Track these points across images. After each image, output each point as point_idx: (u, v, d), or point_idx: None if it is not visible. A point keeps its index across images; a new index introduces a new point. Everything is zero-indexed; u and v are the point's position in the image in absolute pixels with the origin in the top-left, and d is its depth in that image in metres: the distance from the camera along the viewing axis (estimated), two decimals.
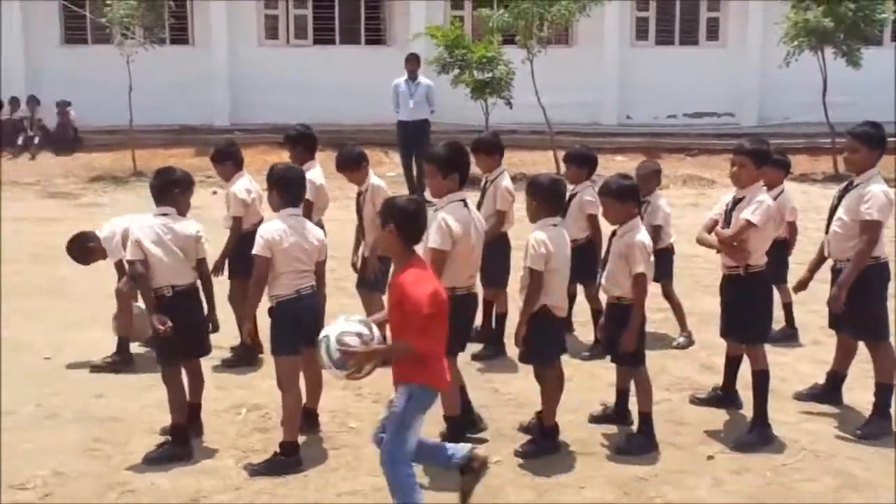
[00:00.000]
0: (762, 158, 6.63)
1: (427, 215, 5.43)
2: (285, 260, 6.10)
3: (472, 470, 5.46)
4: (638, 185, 6.77)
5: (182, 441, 6.36)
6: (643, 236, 6.44)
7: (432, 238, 6.04)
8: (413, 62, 17.27)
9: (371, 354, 5.20)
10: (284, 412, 6.25)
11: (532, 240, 6.24)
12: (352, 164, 8.23)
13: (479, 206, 7.85)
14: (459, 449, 5.51)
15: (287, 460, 6.14)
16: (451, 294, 5.75)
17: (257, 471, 6.08)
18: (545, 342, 6.34)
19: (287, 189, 6.25)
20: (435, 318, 5.09)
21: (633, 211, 6.53)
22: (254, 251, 6.08)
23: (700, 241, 6.88)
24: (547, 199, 6.36)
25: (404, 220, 5.17)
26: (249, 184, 8.28)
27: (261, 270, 6.09)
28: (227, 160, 8.33)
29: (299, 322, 6.17)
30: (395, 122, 17.76)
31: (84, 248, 8.32)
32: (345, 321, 5.31)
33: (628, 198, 6.49)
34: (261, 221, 7.65)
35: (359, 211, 8.35)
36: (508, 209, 8.20)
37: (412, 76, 17.15)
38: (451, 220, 6.11)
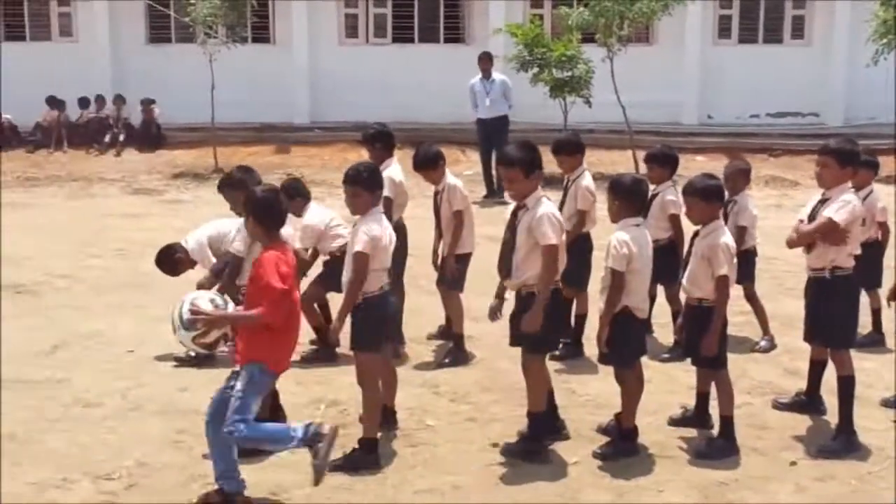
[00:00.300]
0: (846, 158, 6.47)
1: (284, 204, 5.82)
2: (379, 257, 6.14)
3: (319, 443, 5.52)
4: (722, 186, 6.67)
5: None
6: (727, 238, 6.36)
7: (548, 234, 6.04)
8: (486, 60, 17.24)
9: (219, 319, 5.66)
10: (364, 408, 6.29)
11: (614, 240, 6.19)
12: (429, 164, 8.25)
13: (560, 207, 7.82)
14: (299, 427, 5.62)
15: (365, 457, 6.18)
16: (555, 287, 6.10)
17: (336, 466, 6.12)
18: (626, 343, 6.29)
19: (376, 188, 6.29)
20: (285, 296, 5.46)
21: (717, 211, 6.44)
22: (357, 248, 6.06)
23: (790, 244, 6.74)
24: (629, 199, 6.31)
25: (261, 211, 5.64)
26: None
27: (363, 267, 6.08)
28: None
29: (384, 319, 6.25)
30: (472, 120, 17.77)
31: (172, 260, 8.61)
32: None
33: (712, 198, 6.41)
34: None
35: (436, 210, 8.37)
36: (590, 209, 8.15)
37: (486, 74, 17.13)
38: (557, 213, 6.15)
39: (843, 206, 6.34)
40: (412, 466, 6.19)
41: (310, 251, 8.26)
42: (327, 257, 8.26)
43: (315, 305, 8.36)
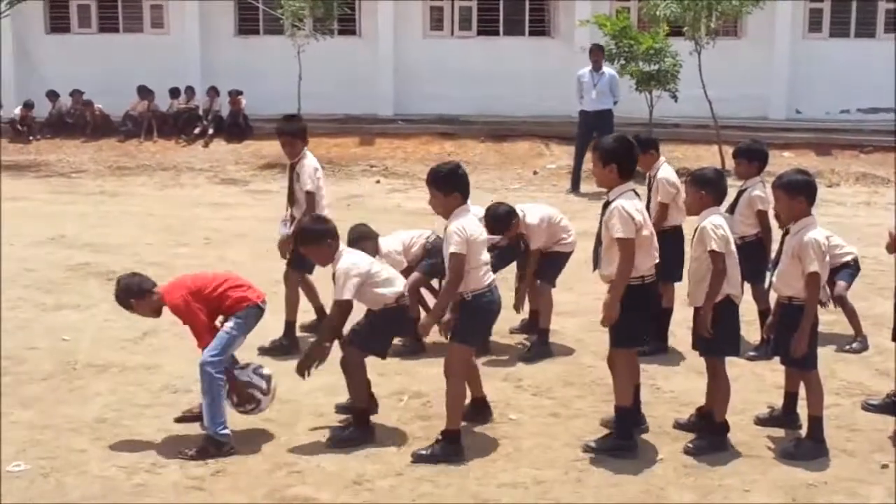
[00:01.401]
0: None
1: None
2: (474, 254, 6.15)
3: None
4: (812, 181, 6.51)
5: (364, 423, 6.52)
6: (817, 234, 6.23)
7: (616, 227, 6.01)
8: (597, 52, 17.13)
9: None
10: (448, 400, 6.31)
11: (709, 224, 6.23)
12: (501, 225, 8.18)
13: (647, 204, 7.86)
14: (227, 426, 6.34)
15: (449, 447, 6.21)
16: (640, 282, 6.06)
17: (420, 457, 6.17)
18: (728, 333, 6.30)
19: (464, 186, 6.30)
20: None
21: (804, 207, 6.30)
22: (451, 249, 6.08)
23: (890, 250, 6.58)
24: (708, 190, 6.39)
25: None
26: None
27: (459, 268, 6.10)
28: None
29: (490, 315, 6.36)
30: (557, 113, 17.71)
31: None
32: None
33: (797, 193, 6.28)
34: None
35: None
36: (671, 201, 8.10)
37: (596, 66, 16.99)
38: (630, 207, 6.07)
39: None
40: (494, 460, 6.19)
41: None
42: None
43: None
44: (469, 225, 6.16)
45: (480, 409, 6.74)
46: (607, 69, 17.06)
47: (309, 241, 6.64)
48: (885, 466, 6.11)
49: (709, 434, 6.37)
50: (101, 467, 6.07)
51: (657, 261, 6.26)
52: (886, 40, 22.25)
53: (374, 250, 7.90)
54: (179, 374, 7.68)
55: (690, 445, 6.32)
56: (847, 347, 8.34)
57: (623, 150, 6.25)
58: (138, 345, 8.52)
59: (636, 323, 6.18)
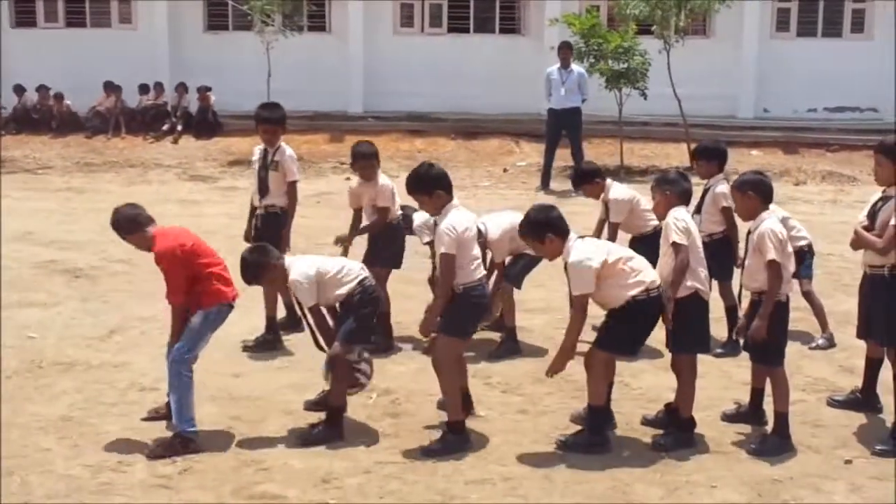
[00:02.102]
0: None
1: None
2: (465, 251, 6.23)
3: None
4: (765, 181, 6.62)
5: (337, 422, 6.52)
6: (772, 224, 6.33)
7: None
8: (566, 50, 17.12)
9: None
10: (444, 393, 6.39)
11: (671, 218, 6.43)
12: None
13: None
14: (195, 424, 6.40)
15: (456, 438, 6.27)
16: (646, 296, 6.20)
17: (430, 451, 6.21)
18: (695, 327, 6.44)
19: (443, 183, 6.35)
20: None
21: (758, 204, 6.42)
22: (442, 250, 6.18)
23: (854, 247, 6.65)
24: (673, 191, 6.55)
25: None
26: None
27: (450, 267, 6.19)
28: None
29: (480, 308, 6.43)
30: (527, 111, 17.73)
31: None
32: None
33: (749, 190, 6.44)
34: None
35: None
36: (625, 216, 8.46)
37: (565, 64, 16.99)
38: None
39: None
40: (463, 457, 6.19)
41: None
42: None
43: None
44: (458, 223, 6.20)
45: (463, 402, 6.73)
46: (576, 67, 17.10)
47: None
48: (848, 462, 6.17)
49: (676, 430, 6.42)
50: (66, 466, 6.03)
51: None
52: (853, 40, 22.47)
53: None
54: (146, 372, 7.64)
55: (658, 441, 6.37)
56: (814, 344, 8.41)
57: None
58: (105, 342, 8.47)
59: (633, 335, 6.31)
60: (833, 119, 21.92)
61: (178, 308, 6.36)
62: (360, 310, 6.49)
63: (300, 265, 6.48)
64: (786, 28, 22.62)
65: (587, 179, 8.60)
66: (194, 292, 6.36)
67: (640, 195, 8.57)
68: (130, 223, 6.46)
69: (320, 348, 6.57)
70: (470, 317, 6.42)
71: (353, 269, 6.62)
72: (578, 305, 6.19)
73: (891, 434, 6.41)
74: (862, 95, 22.12)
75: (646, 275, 6.25)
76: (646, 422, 6.71)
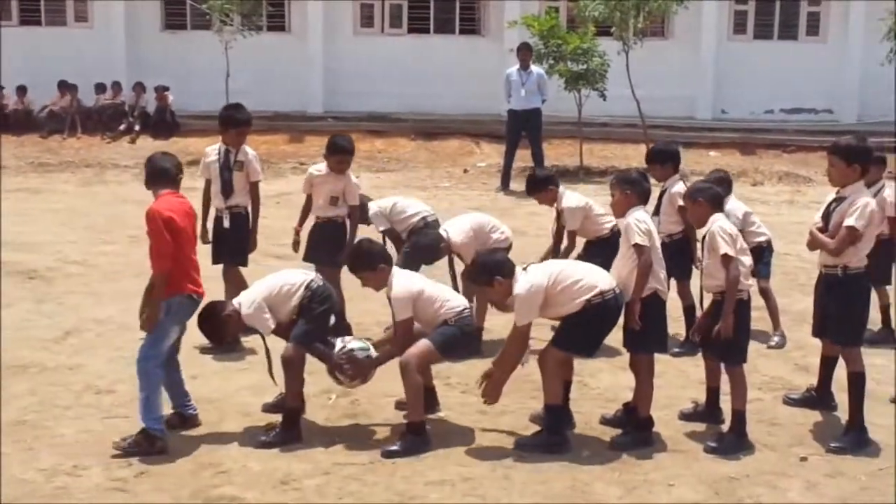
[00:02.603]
0: (853, 156, 6.40)
1: None
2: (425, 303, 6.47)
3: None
4: (712, 188, 6.70)
5: (293, 424, 6.48)
6: (721, 222, 6.42)
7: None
8: (525, 51, 17.10)
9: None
10: (407, 393, 6.36)
11: (632, 220, 6.42)
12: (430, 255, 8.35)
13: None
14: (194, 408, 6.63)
15: (416, 439, 6.27)
16: (601, 299, 6.25)
17: (391, 452, 6.20)
18: (655, 328, 6.47)
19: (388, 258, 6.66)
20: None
21: (707, 210, 6.50)
22: (402, 317, 6.38)
23: (811, 247, 6.72)
24: (634, 189, 6.55)
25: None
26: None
27: (407, 328, 6.43)
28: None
29: (470, 337, 6.60)
30: (487, 112, 17.75)
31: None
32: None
33: (698, 197, 6.53)
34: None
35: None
36: (580, 223, 8.51)
37: (524, 65, 16.99)
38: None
39: (862, 210, 6.29)
40: (422, 458, 6.18)
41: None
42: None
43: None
44: (408, 285, 6.41)
45: (428, 400, 6.71)
46: (535, 68, 17.13)
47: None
48: (804, 459, 6.24)
49: (634, 429, 6.45)
50: (20, 470, 5.94)
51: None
52: (808, 43, 22.74)
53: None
54: (102, 374, 7.57)
55: (616, 441, 6.39)
56: (770, 343, 8.50)
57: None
58: (59, 344, 8.36)
59: (590, 335, 6.34)
60: (789, 120, 22.19)
61: (161, 276, 6.19)
62: (312, 311, 6.48)
63: (247, 299, 6.48)
64: (743, 30, 22.87)
65: (541, 187, 8.58)
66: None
67: (591, 201, 8.67)
68: (156, 175, 6.43)
69: (272, 376, 6.58)
70: (460, 341, 6.50)
71: (294, 278, 6.60)
72: (520, 336, 6.26)
73: (845, 431, 6.49)
74: (818, 97, 22.43)
75: (598, 279, 6.29)
76: (604, 421, 6.74)
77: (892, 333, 8.62)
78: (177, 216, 6.24)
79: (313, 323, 6.48)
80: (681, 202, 8.16)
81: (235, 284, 8.16)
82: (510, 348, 6.36)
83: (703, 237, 6.58)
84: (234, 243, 8.29)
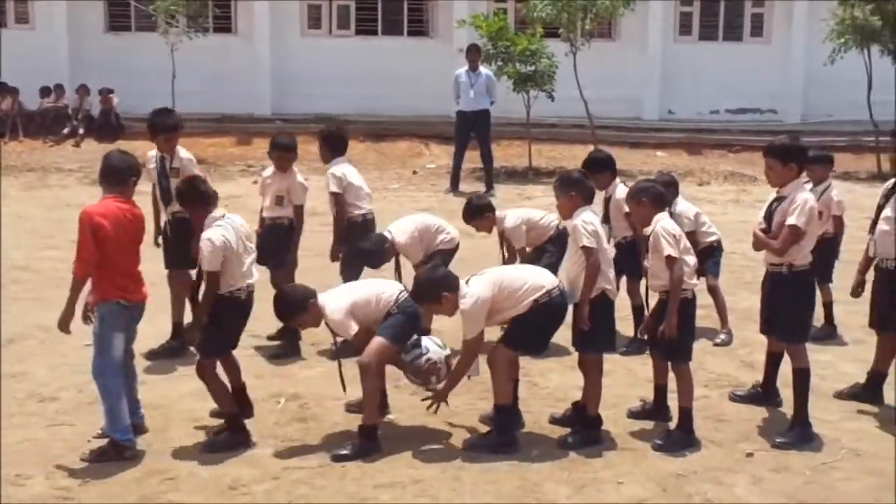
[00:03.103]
0: (788, 156, 6.49)
1: None
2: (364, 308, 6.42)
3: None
4: (655, 188, 6.71)
5: (239, 428, 6.42)
6: (664, 223, 6.47)
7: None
8: (474, 52, 17.09)
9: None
10: (365, 395, 6.33)
11: (579, 221, 6.42)
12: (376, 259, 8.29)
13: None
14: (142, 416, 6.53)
15: (367, 443, 6.24)
16: (548, 298, 6.25)
17: (340, 457, 6.16)
18: (603, 328, 6.49)
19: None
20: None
21: (649, 210, 6.53)
22: (350, 334, 6.34)
23: (756, 249, 6.79)
24: (578, 190, 6.56)
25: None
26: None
27: (362, 341, 6.38)
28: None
29: (418, 319, 6.49)
30: (436, 113, 17.73)
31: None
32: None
33: (642, 197, 6.55)
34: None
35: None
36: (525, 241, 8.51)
37: (473, 67, 16.98)
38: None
39: (801, 208, 6.37)
40: (372, 460, 6.16)
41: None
42: None
43: None
44: (340, 303, 6.36)
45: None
46: (484, 69, 17.16)
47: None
48: (750, 455, 6.31)
49: (583, 428, 6.48)
50: None
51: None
52: (752, 44, 23.03)
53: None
54: (45, 382, 7.47)
55: (565, 440, 6.42)
56: (717, 341, 8.58)
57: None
58: (3, 351, 8.21)
59: (537, 334, 6.37)
60: (735, 120, 22.45)
61: (77, 280, 6.12)
62: (223, 317, 6.42)
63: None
64: (688, 31, 23.11)
65: (477, 215, 8.47)
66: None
67: (529, 211, 8.70)
68: (105, 174, 6.40)
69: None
70: (408, 323, 6.42)
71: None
72: (471, 349, 6.26)
73: (790, 427, 6.58)
74: (762, 97, 22.73)
75: (542, 279, 6.31)
76: (553, 420, 6.77)
77: (836, 330, 8.75)
78: (108, 223, 6.11)
79: (218, 329, 6.41)
80: (626, 208, 8.21)
81: (178, 292, 8.09)
82: (463, 359, 6.33)
83: (648, 237, 6.62)
84: (180, 249, 8.20)
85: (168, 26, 19.73)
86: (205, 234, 6.37)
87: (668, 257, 6.31)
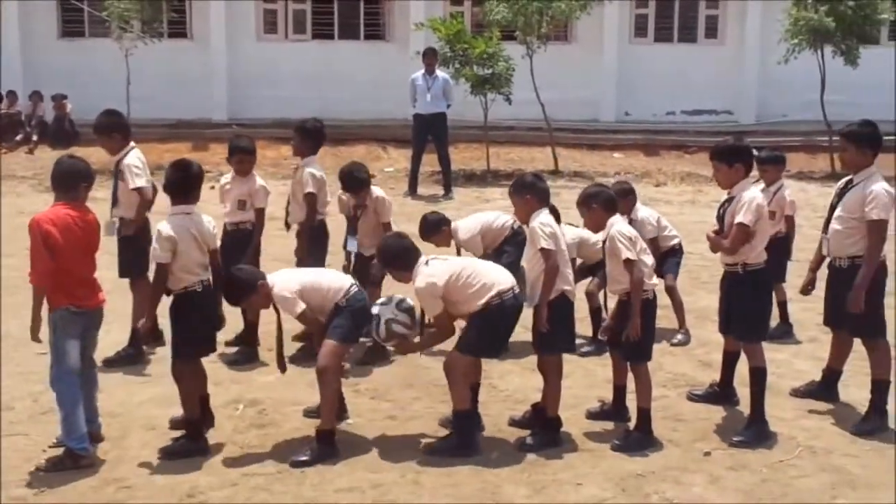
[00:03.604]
0: (732, 158, 6.56)
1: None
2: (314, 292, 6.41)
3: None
4: (605, 192, 6.74)
5: (197, 435, 6.37)
6: (619, 226, 6.51)
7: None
8: (431, 56, 17.05)
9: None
10: (323, 400, 6.31)
11: (536, 224, 6.43)
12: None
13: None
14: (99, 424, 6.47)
15: (325, 448, 6.21)
16: (500, 301, 6.33)
17: (299, 462, 6.12)
18: (563, 329, 6.51)
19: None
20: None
21: (602, 214, 6.56)
22: (298, 311, 6.32)
23: (713, 251, 6.85)
24: (534, 193, 6.59)
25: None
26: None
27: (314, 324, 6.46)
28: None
29: (366, 314, 6.43)
30: (394, 117, 17.69)
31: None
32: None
33: (593, 203, 6.58)
34: None
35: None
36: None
37: (430, 70, 16.96)
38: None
39: (748, 206, 6.44)
40: (331, 465, 6.14)
41: None
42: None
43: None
44: (287, 288, 6.34)
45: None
46: (441, 73, 17.16)
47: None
48: (707, 454, 6.36)
49: (543, 430, 6.50)
50: None
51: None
52: (707, 45, 23.23)
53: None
54: (2, 390, 7.34)
55: (525, 442, 6.44)
56: (674, 341, 8.64)
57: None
58: None
59: (491, 338, 6.40)
60: (691, 122, 22.61)
61: (37, 290, 6.03)
62: (183, 314, 6.38)
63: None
64: (644, 33, 23.26)
65: (434, 230, 8.43)
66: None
67: (482, 216, 8.65)
68: (55, 181, 6.36)
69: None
70: (355, 322, 6.39)
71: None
72: (440, 324, 6.38)
73: (747, 425, 6.64)
74: (717, 99, 22.93)
75: (498, 279, 6.33)
76: (513, 422, 6.78)
77: (791, 328, 8.84)
78: (57, 230, 6.04)
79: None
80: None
81: (141, 299, 7.99)
82: (437, 332, 6.52)
83: (604, 242, 6.64)
84: (121, 255, 8.15)
85: (122, 31, 19.54)
86: (157, 226, 6.33)
87: (627, 260, 6.34)
